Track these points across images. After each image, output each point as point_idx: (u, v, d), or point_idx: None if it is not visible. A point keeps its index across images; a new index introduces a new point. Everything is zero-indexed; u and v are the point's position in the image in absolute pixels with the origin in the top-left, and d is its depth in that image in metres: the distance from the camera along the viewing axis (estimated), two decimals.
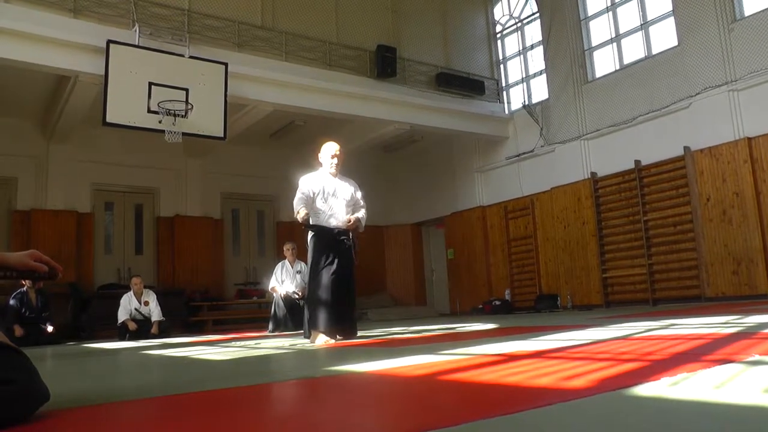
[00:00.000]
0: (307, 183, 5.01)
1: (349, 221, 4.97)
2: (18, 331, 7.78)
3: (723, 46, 8.74)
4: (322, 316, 4.76)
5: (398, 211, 14.13)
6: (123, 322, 8.35)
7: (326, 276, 4.82)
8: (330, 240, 4.93)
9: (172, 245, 11.49)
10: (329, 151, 5.11)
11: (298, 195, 4.92)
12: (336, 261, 4.87)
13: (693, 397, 1.36)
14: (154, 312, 8.51)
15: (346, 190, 5.11)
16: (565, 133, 10.92)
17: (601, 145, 10.40)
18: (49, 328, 8.29)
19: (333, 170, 5.09)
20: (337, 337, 4.83)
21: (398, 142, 12.86)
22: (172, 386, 2.45)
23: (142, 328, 8.33)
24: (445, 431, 1.17)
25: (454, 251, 13.12)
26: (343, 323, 4.92)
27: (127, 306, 8.47)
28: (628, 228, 9.96)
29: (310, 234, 5.05)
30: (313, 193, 4.97)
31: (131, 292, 8.62)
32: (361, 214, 5.12)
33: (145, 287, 8.82)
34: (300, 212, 4.69)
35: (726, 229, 8.61)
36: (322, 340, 4.68)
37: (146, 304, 8.56)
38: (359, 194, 5.21)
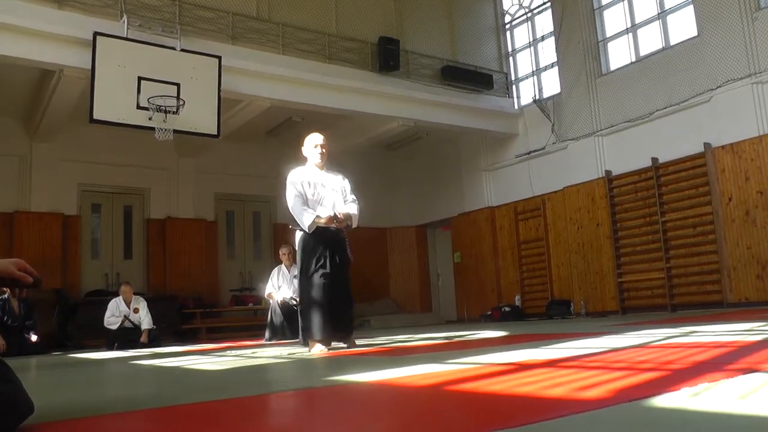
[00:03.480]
0: (298, 178, 4.93)
1: (340, 217, 4.81)
2: None
3: (746, 36, 8.72)
4: (317, 324, 4.70)
5: (402, 212, 14.14)
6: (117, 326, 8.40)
7: (318, 278, 4.75)
8: (321, 238, 4.83)
9: (163, 249, 11.51)
10: (314, 141, 5.07)
11: (294, 194, 4.84)
12: (329, 261, 4.80)
13: (715, 409, 1.36)
14: (144, 320, 8.51)
15: (336, 184, 5.06)
16: (578, 129, 10.92)
17: (616, 141, 10.39)
18: (33, 338, 8.26)
19: (320, 161, 5.04)
20: (334, 343, 4.80)
21: (402, 140, 12.87)
22: (163, 398, 2.45)
23: (130, 336, 8.34)
24: None
25: (461, 255, 13.12)
26: (340, 328, 4.88)
27: (115, 312, 8.47)
28: (645, 230, 9.95)
29: (298, 233, 4.99)
30: (304, 191, 4.89)
31: (120, 297, 8.63)
32: (353, 209, 4.99)
33: (134, 294, 8.83)
34: (311, 219, 4.69)
35: (749, 231, 8.59)
36: (318, 349, 4.63)
37: (136, 311, 8.56)
38: (349, 187, 5.12)
